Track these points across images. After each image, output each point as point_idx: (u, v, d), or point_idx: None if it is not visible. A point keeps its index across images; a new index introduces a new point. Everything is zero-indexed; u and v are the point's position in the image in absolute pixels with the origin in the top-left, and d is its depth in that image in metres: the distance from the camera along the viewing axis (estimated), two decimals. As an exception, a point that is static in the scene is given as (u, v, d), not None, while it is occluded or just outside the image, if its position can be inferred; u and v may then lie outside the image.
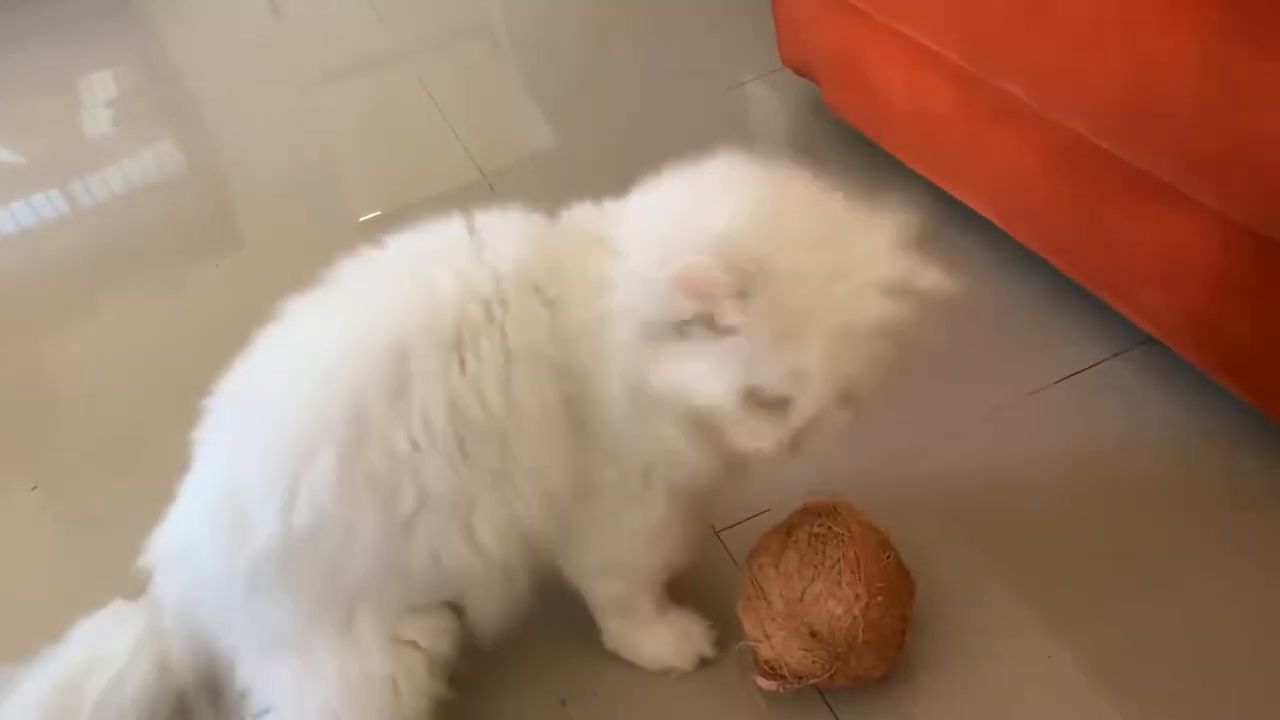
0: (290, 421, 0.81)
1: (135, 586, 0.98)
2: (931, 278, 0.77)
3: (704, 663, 1.03)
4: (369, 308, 0.82)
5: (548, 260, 0.82)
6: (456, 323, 0.80)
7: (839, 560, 0.95)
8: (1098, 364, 1.28)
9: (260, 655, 0.90)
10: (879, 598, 0.95)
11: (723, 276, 0.70)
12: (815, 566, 0.95)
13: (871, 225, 0.78)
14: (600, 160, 1.85)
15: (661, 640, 1.03)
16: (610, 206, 0.86)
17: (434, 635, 0.90)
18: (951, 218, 1.51)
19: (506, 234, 0.84)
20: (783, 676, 0.95)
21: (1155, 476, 1.14)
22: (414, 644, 0.89)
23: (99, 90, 2.71)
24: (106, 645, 0.95)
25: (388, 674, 0.88)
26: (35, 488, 1.46)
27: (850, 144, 1.69)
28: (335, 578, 0.84)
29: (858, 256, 0.76)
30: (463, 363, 0.80)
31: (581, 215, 0.87)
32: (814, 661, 0.94)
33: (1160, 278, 1.15)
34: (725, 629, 1.03)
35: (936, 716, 0.97)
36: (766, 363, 0.74)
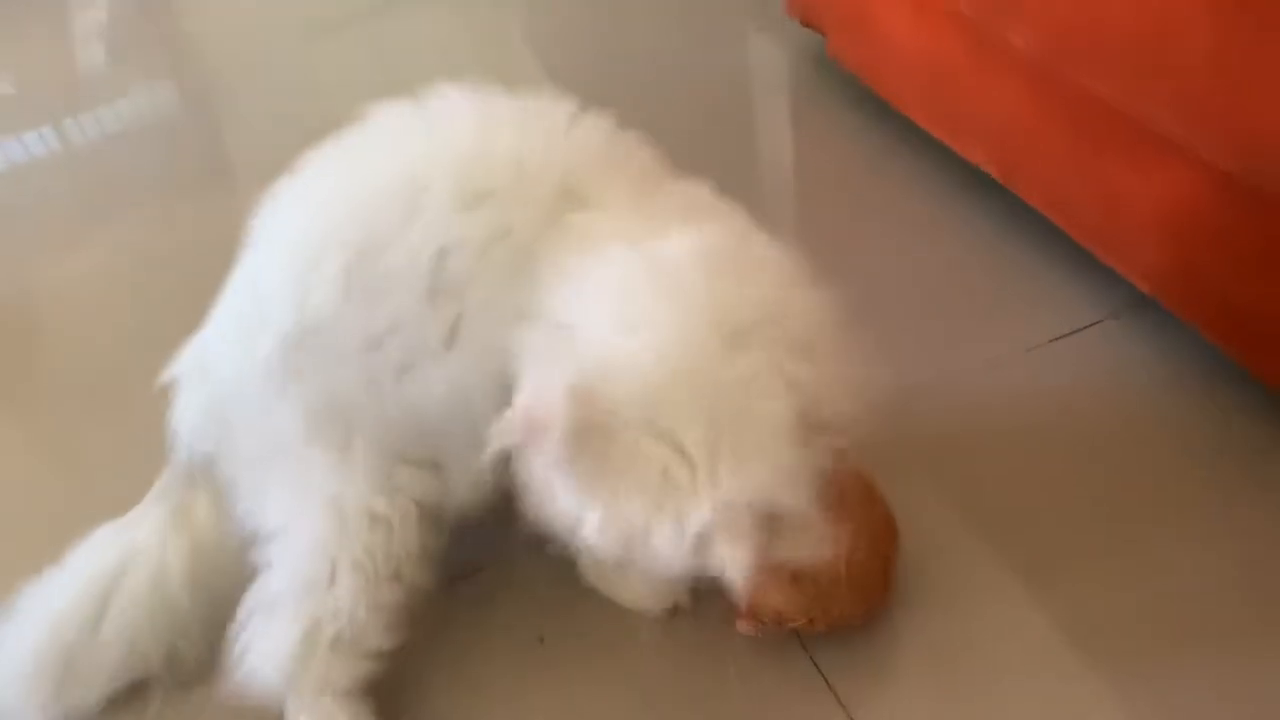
0: (311, 226, 0.85)
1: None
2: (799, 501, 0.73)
3: (683, 605, 1.03)
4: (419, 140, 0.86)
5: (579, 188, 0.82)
6: (480, 185, 0.81)
7: (825, 502, 0.94)
8: (1093, 324, 1.27)
9: (264, 468, 0.91)
10: (863, 541, 0.94)
11: (561, 418, 0.67)
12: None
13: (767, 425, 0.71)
14: (600, 107, 1.82)
15: (639, 581, 1.02)
16: None
17: (425, 486, 0.90)
18: (951, 175, 1.49)
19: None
20: (763, 618, 0.94)
21: (1145, 436, 1.14)
22: (407, 490, 0.90)
23: (93, 28, 2.67)
24: (133, 542, 0.97)
25: (380, 511, 0.89)
26: (19, 419, 1.45)
27: (851, 97, 1.67)
28: (333, 390, 0.85)
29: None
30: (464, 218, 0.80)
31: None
32: (795, 604, 0.93)
33: (1158, 234, 1.14)
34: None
35: (914, 664, 0.97)
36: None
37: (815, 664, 0.98)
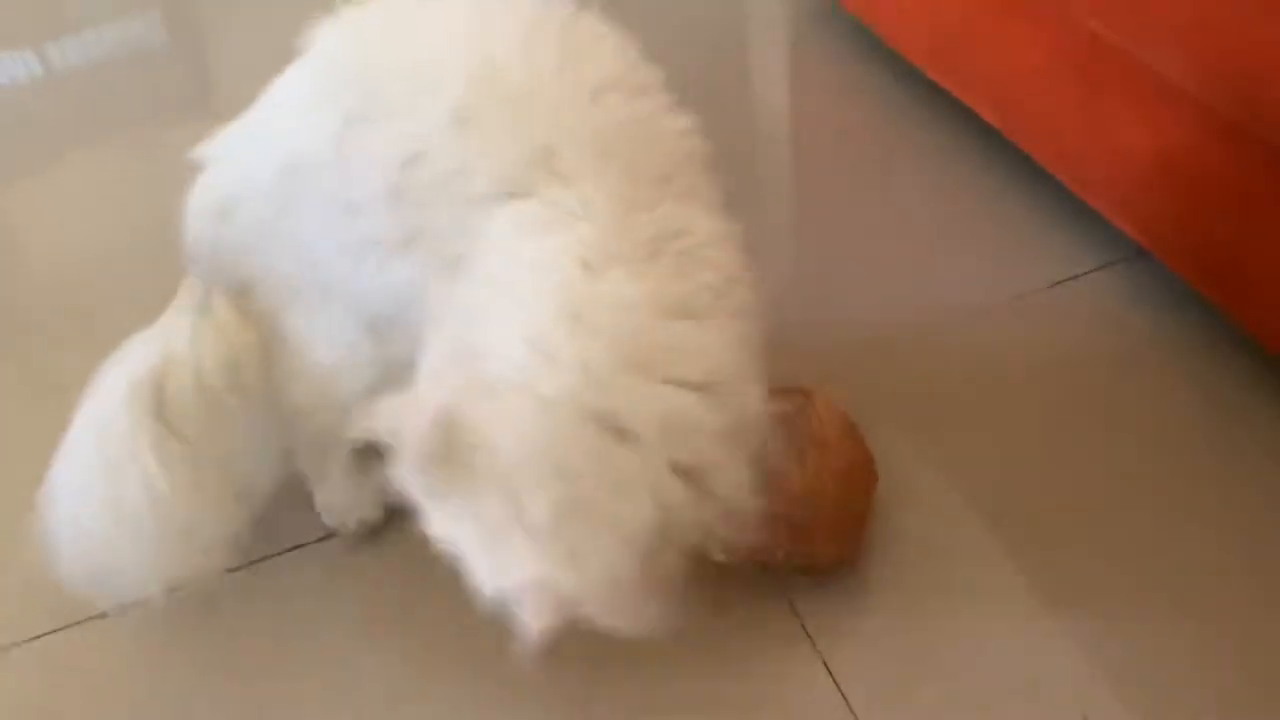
0: (327, 73, 0.84)
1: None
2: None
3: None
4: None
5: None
6: (475, 105, 0.78)
7: (805, 438, 0.93)
8: (1085, 274, 1.25)
9: (280, 303, 0.91)
10: (841, 479, 0.93)
11: (422, 437, 0.65)
12: (781, 442, 0.93)
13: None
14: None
15: None
16: None
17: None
18: (952, 123, 1.47)
19: None
20: (737, 551, 0.93)
21: (1130, 388, 1.13)
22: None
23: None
24: (165, 348, 0.93)
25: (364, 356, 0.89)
26: None
27: (854, 43, 1.65)
28: (313, 235, 0.85)
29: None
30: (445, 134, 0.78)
31: None
32: (771, 538, 0.92)
33: (1157, 185, 1.12)
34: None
35: (886, 606, 0.96)
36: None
37: (790, 601, 0.97)
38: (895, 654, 0.93)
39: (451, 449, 0.65)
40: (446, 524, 0.68)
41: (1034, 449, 1.08)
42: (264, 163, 0.86)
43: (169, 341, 0.94)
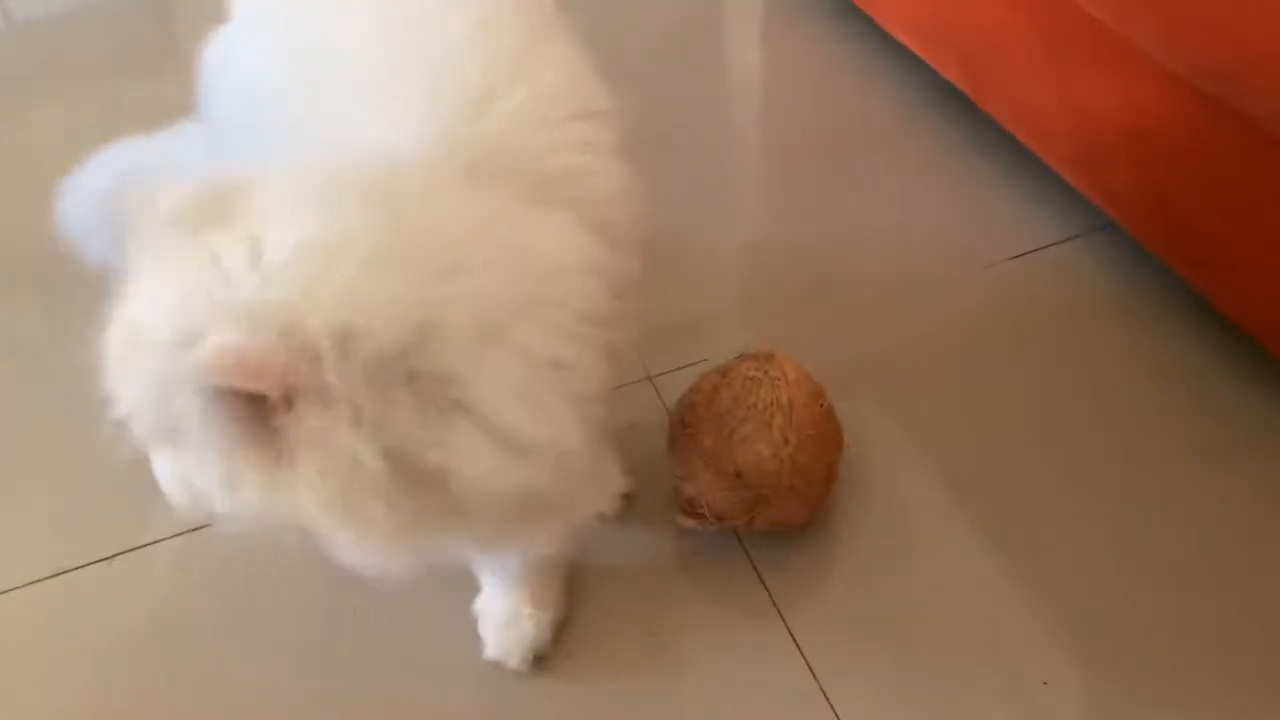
0: None
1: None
2: None
3: (624, 501, 1.02)
4: None
5: None
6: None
7: (772, 404, 0.93)
8: (1053, 244, 1.26)
9: None
10: (808, 444, 0.93)
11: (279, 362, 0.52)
12: (748, 408, 0.93)
13: None
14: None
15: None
16: None
17: None
18: (923, 89, 1.47)
19: None
20: (703, 515, 0.94)
21: (1095, 360, 1.14)
22: None
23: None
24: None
25: None
26: None
27: (834, 13, 1.64)
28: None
29: None
30: None
31: None
32: (736, 502, 0.93)
33: (1125, 153, 1.13)
34: (651, 471, 1.02)
35: (847, 570, 0.97)
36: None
37: (751, 562, 0.98)
38: (857, 616, 0.94)
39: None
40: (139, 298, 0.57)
41: (999, 416, 1.09)
42: None
43: None
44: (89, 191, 0.84)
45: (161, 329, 0.55)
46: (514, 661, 0.90)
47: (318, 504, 0.56)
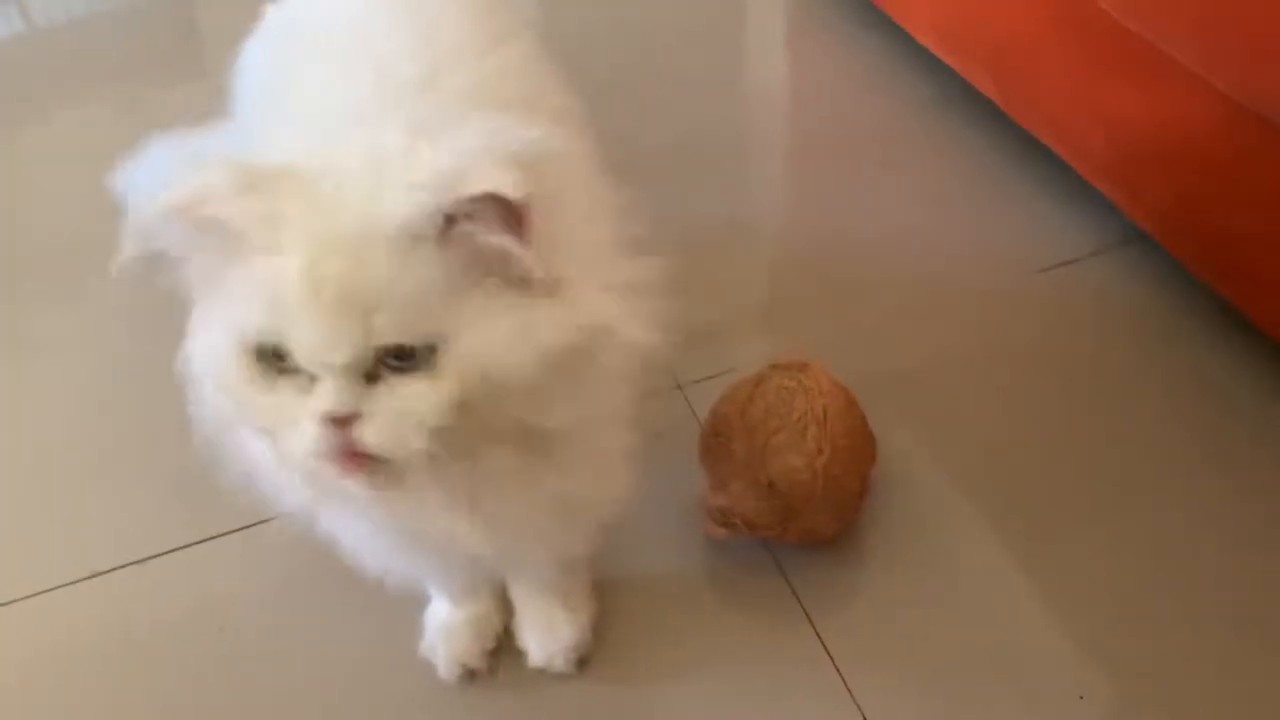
0: None
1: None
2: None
3: (657, 510, 1.01)
4: None
5: None
6: None
7: (806, 414, 0.92)
8: (1086, 256, 1.25)
9: None
10: (841, 455, 0.92)
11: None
12: (781, 418, 0.92)
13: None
14: (581, 16, 1.77)
15: None
16: None
17: None
18: (950, 97, 1.46)
19: None
20: (735, 525, 0.93)
21: (1127, 373, 1.13)
22: None
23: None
24: None
25: None
26: None
27: (851, 9, 1.63)
28: None
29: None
30: None
31: None
32: (769, 513, 0.92)
33: (1159, 164, 1.12)
34: (682, 481, 1.01)
35: (879, 582, 0.96)
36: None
37: (783, 573, 0.96)
38: (891, 630, 0.93)
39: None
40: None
41: (1031, 430, 1.08)
42: None
43: None
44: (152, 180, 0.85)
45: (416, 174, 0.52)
46: (559, 665, 0.90)
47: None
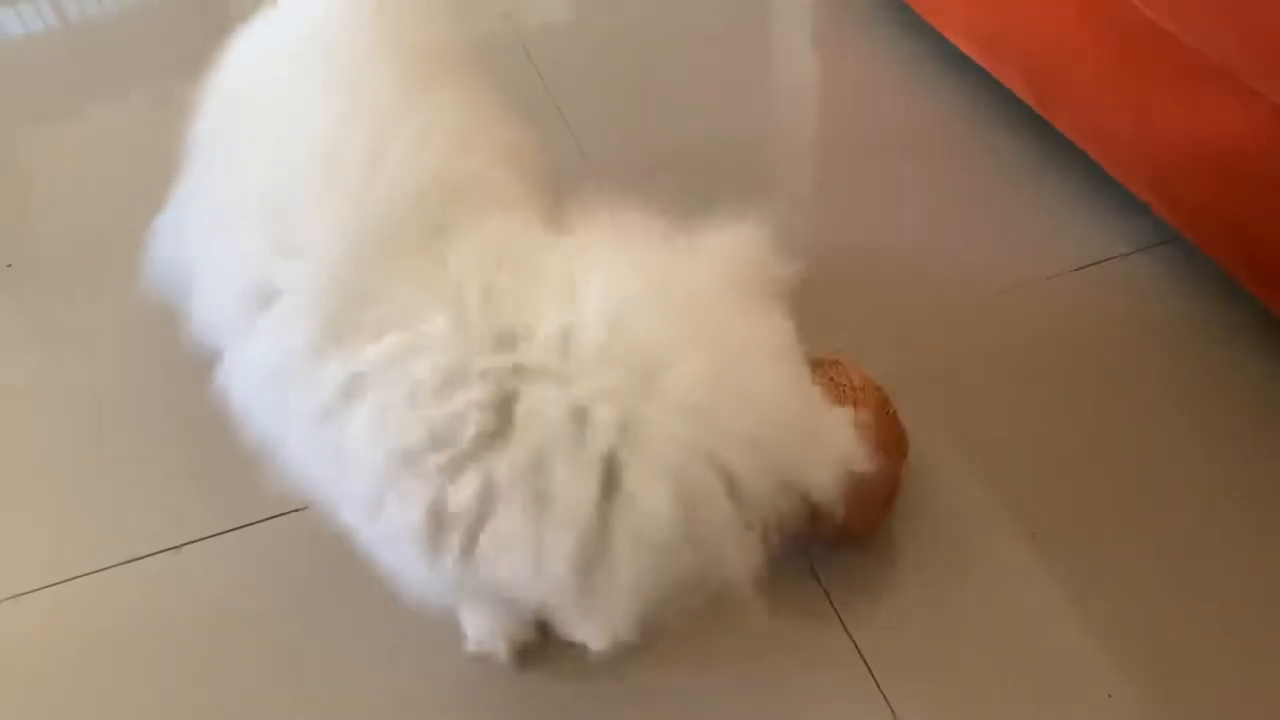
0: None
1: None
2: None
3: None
4: None
5: None
6: None
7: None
8: (1118, 257, 1.24)
9: None
10: (874, 452, 0.92)
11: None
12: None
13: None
14: (603, 14, 1.77)
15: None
16: None
17: None
18: (983, 98, 1.45)
19: None
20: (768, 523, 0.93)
21: (1158, 374, 1.12)
22: None
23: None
24: None
25: None
26: (10, 265, 1.42)
27: (883, 9, 1.63)
28: None
29: None
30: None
31: None
32: (798, 510, 0.91)
33: (1199, 170, 1.11)
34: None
35: (909, 581, 0.96)
36: None
37: (813, 570, 0.96)
38: (921, 628, 0.93)
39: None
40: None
41: (1058, 429, 1.07)
42: None
43: None
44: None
45: None
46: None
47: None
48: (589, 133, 1.48)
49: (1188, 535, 0.97)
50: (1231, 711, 0.86)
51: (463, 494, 0.62)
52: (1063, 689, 0.88)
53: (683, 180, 1.42)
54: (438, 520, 0.63)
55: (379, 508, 0.66)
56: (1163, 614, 0.92)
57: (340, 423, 0.65)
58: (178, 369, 1.22)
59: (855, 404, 0.93)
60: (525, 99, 1.32)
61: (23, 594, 1.01)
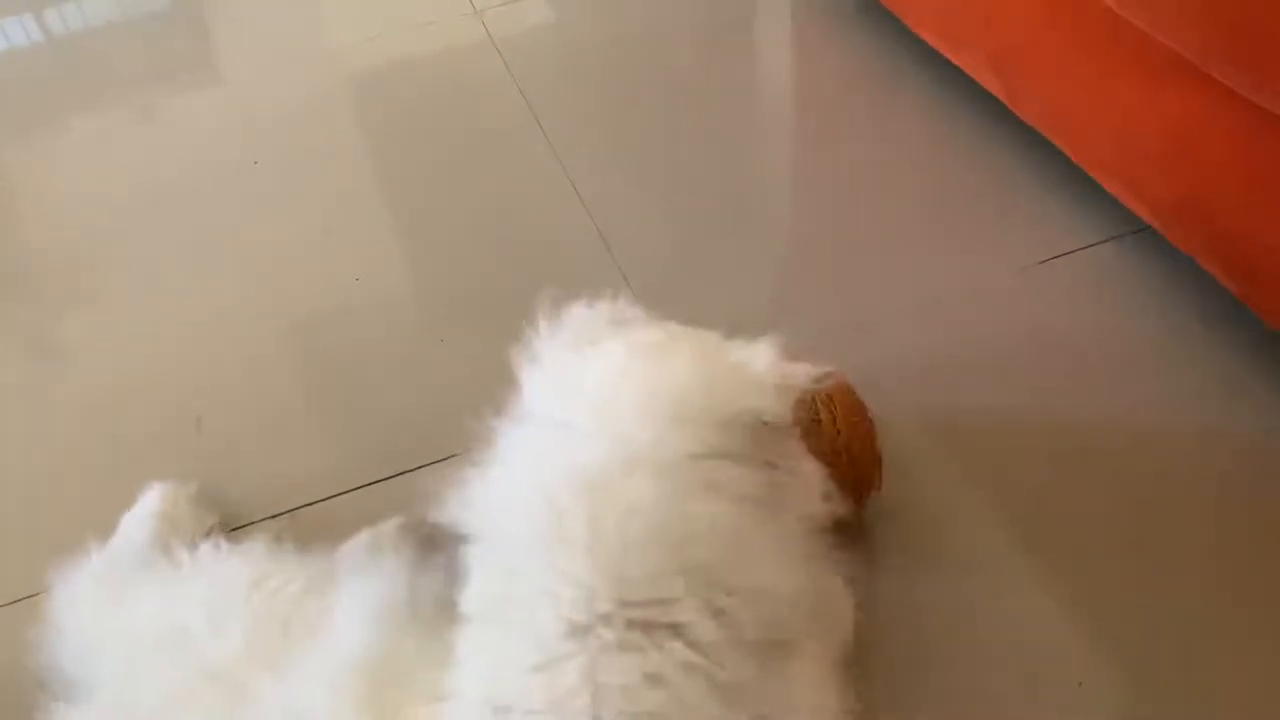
0: None
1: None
2: None
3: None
4: None
5: None
6: None
7: (813, 397, 0.94)
8: (1086, 248, 1.26)
9: None
10: (856, 433, 0.94)
11: None
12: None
13: None
14: (583, 13, 1.78)
15: None
16: None
17: None
18: (954, 93, 1.47)
19: None
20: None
21: (1130, 364, 1.13)
22: None
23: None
24: None
25: None
26: None
27: (854, 8, 1.64)
28: None
29: None
30: None
31: None
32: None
33: (1162, 160, 1.12)
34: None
35: (886, 577, 0.97)
36: None
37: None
38: (892, 618, 0.93)
39: None
40: None
41: (1033, 421, 1.09)
42: None
43: None
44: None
45: None
46: None
47: None
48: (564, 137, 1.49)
49: (1159, 523, 0.99)
50: (1202, 698, 0.87)
51: None
52: (1032, 677, 0.89)
53: (664, 177, 1.43)
54: None
55: None
56: (1139, 606, 0.93)
57: None
58: (160, 381, 1.24)
59: (828, 391, 0.94)
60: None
61: None
